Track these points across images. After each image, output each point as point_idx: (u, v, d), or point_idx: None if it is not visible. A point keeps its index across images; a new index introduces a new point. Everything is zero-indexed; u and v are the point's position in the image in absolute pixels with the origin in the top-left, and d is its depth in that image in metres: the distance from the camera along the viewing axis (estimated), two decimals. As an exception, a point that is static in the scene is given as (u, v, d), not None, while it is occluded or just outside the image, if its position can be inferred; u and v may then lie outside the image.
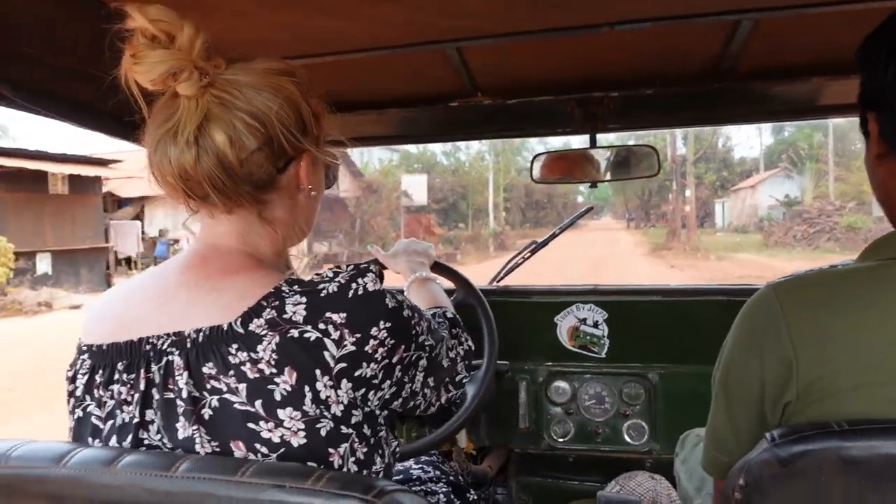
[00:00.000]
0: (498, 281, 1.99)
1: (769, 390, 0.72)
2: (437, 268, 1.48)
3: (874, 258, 0.72)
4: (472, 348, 1.03)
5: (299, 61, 1.21)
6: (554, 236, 1.99)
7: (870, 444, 0.60)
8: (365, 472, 0.73)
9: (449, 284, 1.51)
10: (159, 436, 0.70)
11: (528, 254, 1.97)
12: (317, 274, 0.75)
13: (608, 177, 1.48)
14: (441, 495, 1.33)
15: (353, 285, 0.72)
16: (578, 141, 1.50)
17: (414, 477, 1.41)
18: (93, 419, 0.74)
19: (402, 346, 0.75)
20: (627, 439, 1.79)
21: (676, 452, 1.43)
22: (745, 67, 1.25)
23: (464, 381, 0.97)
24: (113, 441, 0.72)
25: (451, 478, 1.53)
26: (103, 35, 0.69)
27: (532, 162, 1.54)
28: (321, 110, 0.83)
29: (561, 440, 1.83)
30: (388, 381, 0.74)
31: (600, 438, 1.80)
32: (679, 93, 1.33)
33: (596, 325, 1.78)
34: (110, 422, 0.72)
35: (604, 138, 1.45)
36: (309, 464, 0.68)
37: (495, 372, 1.63)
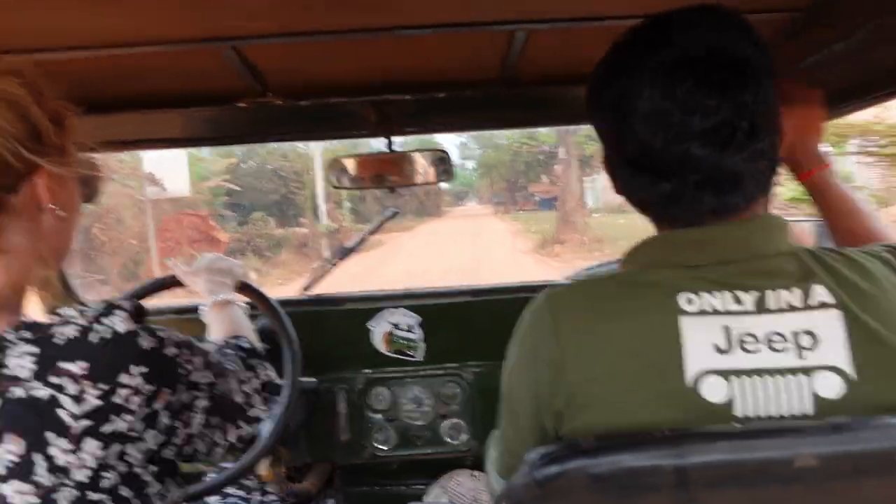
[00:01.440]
0: (307, 290, 1.90)
1: (542, 397, 0.72)
2: (244, 289, 1.36)
3: (632, 264, 0.74)
4: (273, 380, 0.94)
5: (45, 55, 1.03)
6: (363, 240, 1.94)
7: (612, 460, 0.62)
8: None
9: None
10: None
11: (338, 259, 1.90)
12: (56, 313, 0.62)
13: (407, 181, 1.46)
14: None
15: (98, 327, 0.61)
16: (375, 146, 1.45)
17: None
18: None
19: (168, 390, 0.65)
20: (448, 439, 1.80)
21: (487, 450, 1.46)
22: (526, 75, 1.29)
23: (259, 416, 0.87)
24: None
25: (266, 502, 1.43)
26: None
27: (330, 165, 1.47)
28: (64, 114, 0.70)
29: (384, 448, 1.80)
30: (153, 431, 0.64)
31: (421, 441, 1.80)
32: (468, 97, 1.34)
33: (410, 329, 1.77)
34: None
35: (400, 143, 1.43)
36: None
37: (305, 390, 1.55)
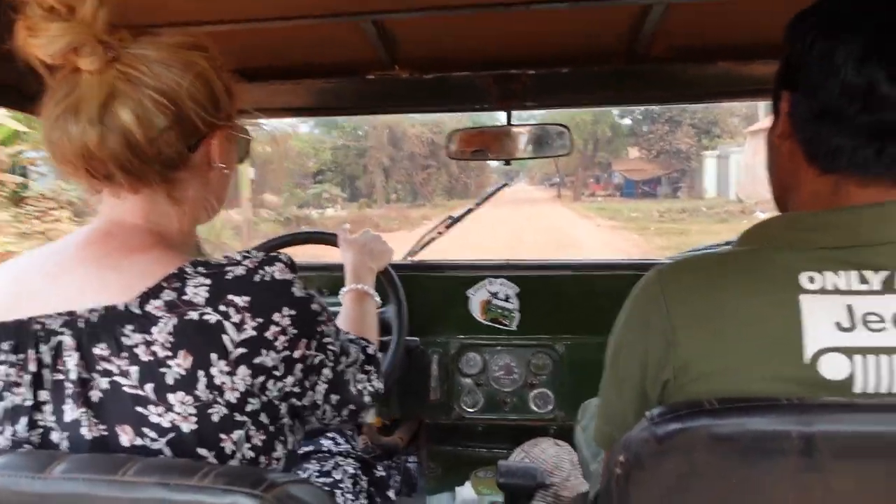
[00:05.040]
0: (412, 256, 1.99)
1: (651, 367, 0.74)
2: (384, 274, 1.45)
3: (750, 244, 0.75)
4: (381, 391, 0.99)
5: (205, 28, 1.14)
6: (470, 211, 2.01)
7: (736, 422, 0.64)
8: (263, 458, 0.73)
9: None
10: (53, 417, 0.67)
11: (444, 228, 1.97)
12: (225, 256, 0.73)
13: (523, 154, 1.50)
14: (350, 469, 1.34)
15: (261, 271, 0.70)
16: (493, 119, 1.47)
17: (324, 448, 1.42)
18: None
19: (305, 341, 0.73)
20: (534, 408, 1.86)
21: (577, 420, 1.50)
22: (658, 51, 1.28)
23: (364, 419, 0.94)
24: (8, 424, 0.68)
25: (361, 453, 1.54)
26: None
27: (449, 137, 1.53)
28: (234, 86, 0.80)
29: (470, 410, 1.88)
30: (291, 378, 0.73)
31: (508, 408, 1.87)
32: (594, 73, 1.36)
33: (507, 298, 1.83)
34: (1, 404, 0.69)
35: (520, 116, 1.46)
36: (199, 451, 0.67)
37: (406, 348, 1.65)
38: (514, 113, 1.49)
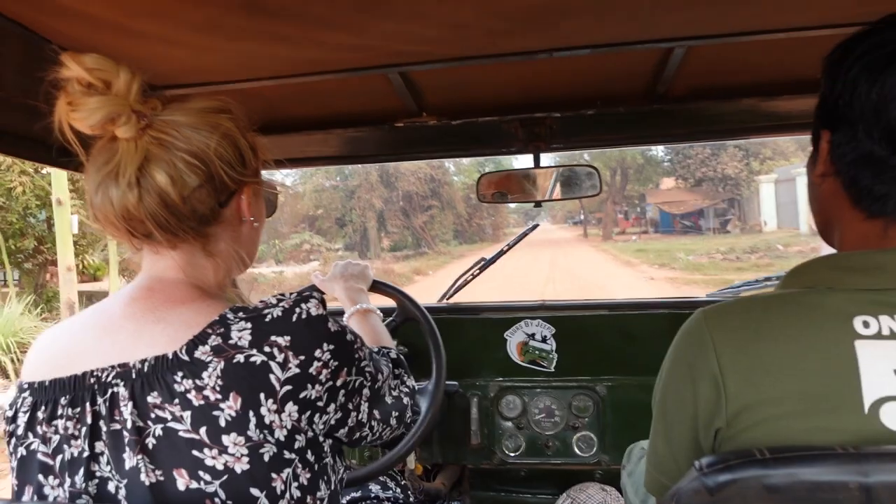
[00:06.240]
0: (447, 299, 1.99)
1: (702, 415, 0.72)
2: (376, 287, 1.48)
3: (796, 285, 0.73)
4: (416, 388, 1.04)
5: (239, 85, 1.20)
6: (502, 253, 2.01)
7: (790, 472, 0.62)
8: (308, 497, 0.74)
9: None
10: (109, 467, 0.70)
11: (477, 271, 1.98)
12: (261, 301, 0.76)
13: (552, 196, 1.51)
14: None
15: (297, 310, 0.74)
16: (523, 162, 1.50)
17: (372, 495, 1.41)
18: (39, 456, 0.73)
19: (345, 370, 0.76)
20: (577, 451, 1.81)
21: (623, 465, 1.45)
22: (679, 90, 1.29)
23: (411, 421, 0.98)
24: (66, 476, 0.71)
25: (411, 500, 1.53)
26: (46, 73, 0.70)
27: (478, 181, 1.55)
28: (259, 143, 0.85)
29: (513, 454, 1.84)
30: (333, 405, 0.76)
31: (551, 451, 1.83)
32: (617, 114, 1.37)
33: (544, 339, 1.81)
34: (59, 457, 0.72)
35: (547, 159, 1.48)
36: (252, 491, 0.69)
37: (445, 392, 1.64)
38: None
